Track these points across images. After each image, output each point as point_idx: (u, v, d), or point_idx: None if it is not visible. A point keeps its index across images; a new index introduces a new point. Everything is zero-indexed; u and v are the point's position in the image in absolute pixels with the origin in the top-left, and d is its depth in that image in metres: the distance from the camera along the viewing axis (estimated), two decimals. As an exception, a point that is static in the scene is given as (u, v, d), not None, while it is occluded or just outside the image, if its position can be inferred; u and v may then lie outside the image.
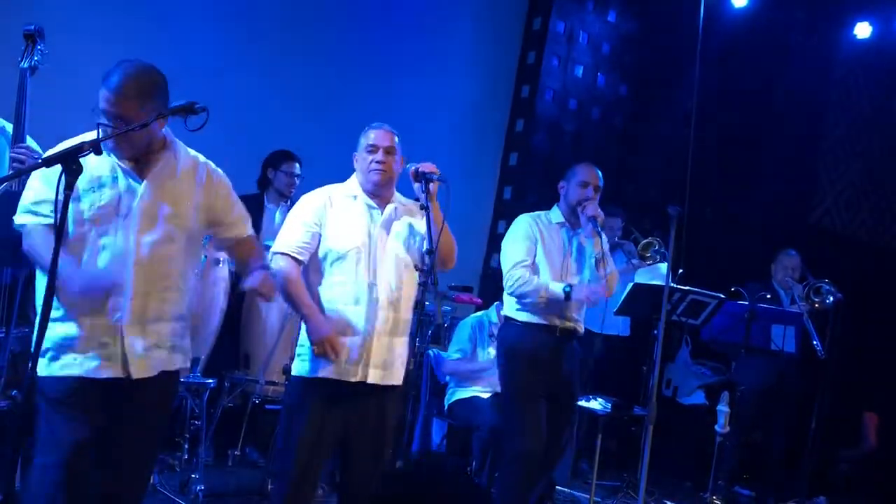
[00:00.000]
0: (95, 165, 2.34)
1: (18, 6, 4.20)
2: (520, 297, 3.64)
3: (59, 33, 3.86)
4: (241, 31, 5.13)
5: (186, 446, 3.91)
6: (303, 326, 2.93)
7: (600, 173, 3.78)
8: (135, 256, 2.35)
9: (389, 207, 2.97)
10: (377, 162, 2.91)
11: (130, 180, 2.38)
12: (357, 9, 5.62)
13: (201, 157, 2.58)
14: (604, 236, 3.63)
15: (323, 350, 2.77)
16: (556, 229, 3.74)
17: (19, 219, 2.37)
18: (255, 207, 4.55)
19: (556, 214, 3.78)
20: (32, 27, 3.29)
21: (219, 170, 2.62)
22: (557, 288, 3.55)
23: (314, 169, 4.66)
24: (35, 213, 2.34)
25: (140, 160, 2.40)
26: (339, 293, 2.86)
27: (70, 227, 2.31)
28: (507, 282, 3.64)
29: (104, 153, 2.34)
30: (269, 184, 4.68)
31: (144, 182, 2.39)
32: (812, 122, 7.18)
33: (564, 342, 3.67)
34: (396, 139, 2.98)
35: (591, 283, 3.63)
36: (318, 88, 5.39)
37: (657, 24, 6.85)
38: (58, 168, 2.02)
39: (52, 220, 2.28)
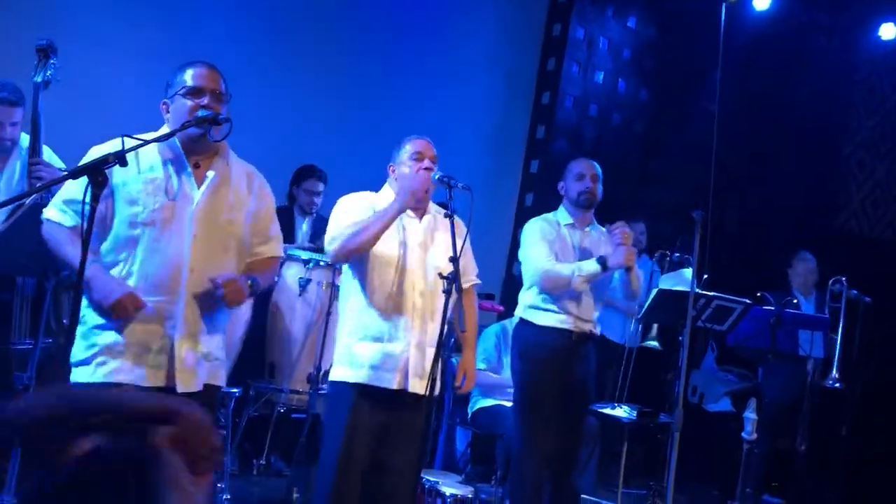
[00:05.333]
0: (150, 166, 2.34)
1: (34, 20, 4.24)
2: (553, 291, 3.58)
3: (76, 45, 3.93)
4: (261, 42, 5.16)
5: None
6: (340, 329, 2.93)
7: (596, 164, 3.78)
8: (189, 263, 2.34)
9: (427, 218, 3.00)
10: (426, 169, 2.93)
11: (187, 186, 2.37)
12: (376, 19, 5.64)
13: (251, 167, 2.59)
14: (633, 249, 3.60)
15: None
16: (566, 230, 3.74)
17: (48, 212, 2.37)
18: (285, 219, 4.61)
19: (563, 215, 3.78)
20: (45, 42, 3.34)
21: (266, 182, 2.63)
22: (590, 265, 3.52)
23: (337, 180, 4.70)
24: (64, 212, 2.35)
25: (198, 165, 2.40)
26: (378, 300, 2.88)
27: (123, 229, 2.30)
28: (538, 279, 3.61)
29: (161, 155, 2.33)
30: (295, 199, 4.77)
31: (202, 188, 2.39)
32: (836, 124, 7.10)
33: (579, 345, 3.65)
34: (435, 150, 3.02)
35: (620, 286, 3.63)
36: (339, 101, 5.42)
37: (677, 29, 6.81)
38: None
39: (73, 223, 2.30)
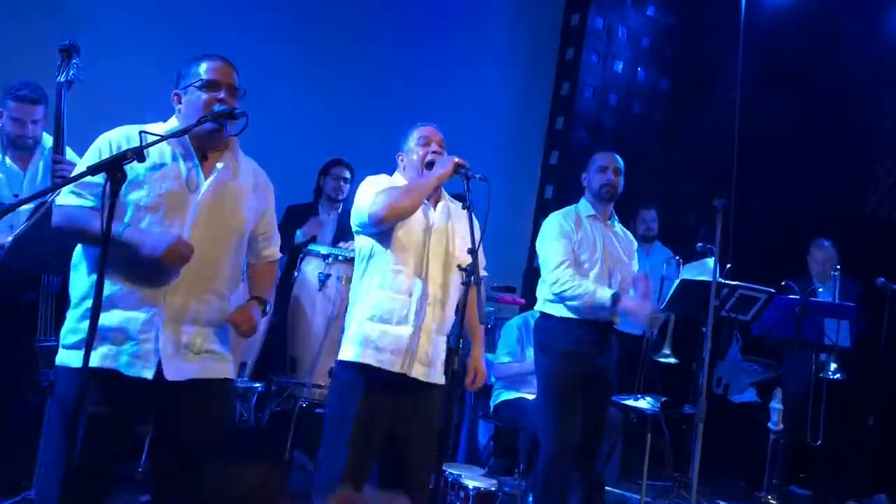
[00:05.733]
0: (159, 153, 2.34)
1: (57, 21, 4.29)
2: (564, 300, 3.61)
3: (99, 45, 3.96)
4: (280, 42, 5.17)
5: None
6: (351, 308, 2.93)
7: (619, 157, 3.77)
8: None
9: (441, 205, 2.99)
10: (434, 153, 2.93)
11: (195, 175, 2.37)
12: (393, 14, 5.63)
13: (257, 164, 2.60)
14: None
15: None
16: (588, 222, 3.73)
17: (62, 199, 2.34)
18: (307, 214, 4.64)
19: (585, 207, 3.77)
20: (67, 42, 3.38)
21: (270, 182, 2.63)
22: (605, 295, 3.53)
23: (358, 174, 4.71)
24: (79, 195, 2.33)
25: (207, 157, 2.41)
26: (393, 282, 2.86)
27: (124, 211, 2.29)
28: (553, 283, 3.62)
29: (169, 146, 2.35)
30: (321, 191, 4.81)
31: (209, 179, 2.39)
32: (863, 109, 6.97)
33: (601, 336, 3.64)
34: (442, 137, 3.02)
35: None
36: (358, 98, 5.42)
37: (697, 16, 6.74)
38: (107, 153, 2.05)
39: (93, 203, 2.28)
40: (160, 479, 2.45)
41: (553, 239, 3.68)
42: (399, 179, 3.00)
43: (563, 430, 3.56)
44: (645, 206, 5.52)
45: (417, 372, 2.85)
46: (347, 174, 4.76)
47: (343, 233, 4.63)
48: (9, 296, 3.27)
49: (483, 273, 3.18)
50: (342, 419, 2.81)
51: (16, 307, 3.29)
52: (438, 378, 2.91)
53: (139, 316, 2.29)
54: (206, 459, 2.42)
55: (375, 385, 2.82)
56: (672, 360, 4.71)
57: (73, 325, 2.34)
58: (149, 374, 2.28)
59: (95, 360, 2.22)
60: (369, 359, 2.82)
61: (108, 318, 2.26)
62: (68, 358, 2.29)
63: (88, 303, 2.25)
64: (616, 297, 3.52)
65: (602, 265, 3.67)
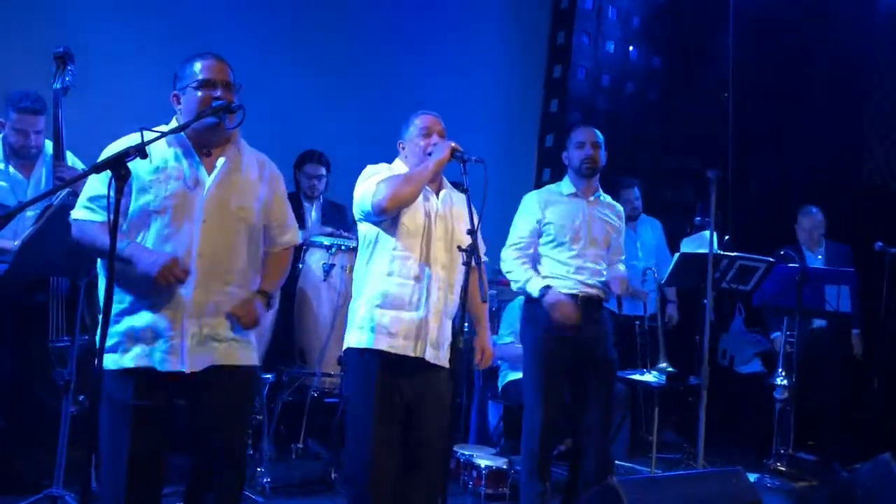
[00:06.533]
0: (162, 156, 2.41)
1: (50, 28, 4.31)
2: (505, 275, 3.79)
3: (91, 53, 4.01)
4: (276, 36, 5.17)
5: (250, 441, 4.01)
6: (357, 295, 2.97)
7: (597, 131, 3.79)
8: (198, 247, 2.40)
9: (443, 192, 3.04)
10: (434, 145, 2.97)
11: (198, 172, 2.44)
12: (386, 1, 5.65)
13: (264, 155, 2.65)
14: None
15: None
16: (567, 199, 3.76)
17: (76, 213, 2.45)
18: (294, 205, 4.65)
19: (566, 185, 3.81)
20: (62, 49, 3.44)
21: (278, 171, 2.68)
22: (534, 288, 3.62)
23: (347, 163, 4.73)
24: (91, 210, 2.42)
25: (210, 153, 2.47)
26: (401, 268, 2.91)
27: (134, 216, 2.38)
28: (502, 259, 3.77)
29: (170, 146, 2.41)
30: (298, 184, 4.78)
31: (212, 175, 2.45)
32: (854, 79, 6.99)
33: (587, 308, 3.65)
34: (443, 124, 3.05)
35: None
36: (347, 81, 5.41)
37: (687, -7, 6.77)
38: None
39: (104, 218, 2.35)
40: (198, 469, 2.53)
41: (518, 218, 3.80)
42: (399, 167, 3.04)
43: (546, 409, 3.59)
44: (626, 186, 5.51)
45: (430, 355, 2.90)
46: (322, 171, 4.69)
47: (327, 221, 4.67)
48: (19, 299, 3.34)
49: (484, 258, 3.25)
50: (363, 405, 2.87)
51: (27, 310, 3.36)
52: (445, 362, 2.97)
53: (165, 314, 2.39)
54: (239, 447, 2.55)
55: (390, 369, 2.88)
56: (671, 370, 4.71)
57: (109, 331, 2.40)
58: (183, 368, 2.39)
59: (133, 361, 2.38)
60: (383, 344, 2.87)
61: (138, 320, 2.39)
62: (106, 361, 2.36)
63: (117, 307, 2.37)
64: (543, 293, 3.58)
65: (583, 243, 3.70)
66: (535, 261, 3.74)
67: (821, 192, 6.60)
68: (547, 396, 3.61)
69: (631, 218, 5.57)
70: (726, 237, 5.09)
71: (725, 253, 4.49)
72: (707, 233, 5.13)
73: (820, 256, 5.43)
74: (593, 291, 3.70)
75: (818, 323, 5.38)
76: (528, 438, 3.65)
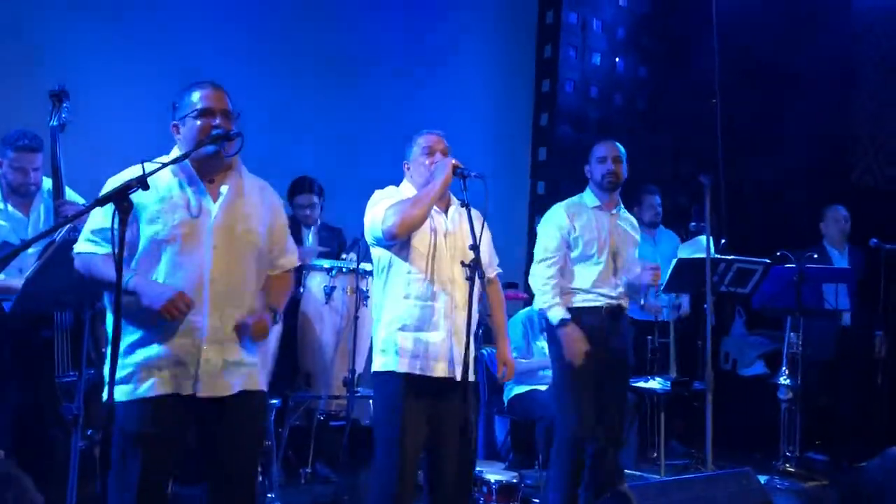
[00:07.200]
0: (167, 186, 2.45)
1: (45, 67, 4.34)
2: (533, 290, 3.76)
3: (87, 89, 4.05)
4: (268, 62, 5.20)
5: (259, 469, 4.01)
6: (377, 320, 3.02)
7: (619, 145, 3.81)
8: (210, 274, 2.43)
9: (452, 210, 3.07)
10: (435, 164, 3.00)
11: (204, 200, 2.47)
12: (369, 23, 5.67)
13: (263, 181, 2.69)
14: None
15: None
16: (593, 213, 3.78)
17: (79, 246, 2.47)
18: (292, 230, 4.66)
19: (590, 198, 3.82)
20: (57, 87, 3.47)
21: (277, 196, 2.72)
22: (555, 317, 3.62)
23: (343, 187, 4.78)
24: (94, 242, 2.45)
25: (213, 181, 2.50)
26: (417, 290, 2.95)
27: (144, 247, 2.41)
28: (532, 275, 3.74)
29: (174, 175, 2.45)
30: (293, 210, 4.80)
31: (218, 202, 2.49)
32: (841, 78, 7.07)
33: (612, 319, 3.70)
34: (447, 142, 3.09)
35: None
36: (339, 107, 5.45)
37: (670, 2, 6.84)
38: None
39: (107, 250, 2.38)
40: (215, 495, 2.54)
41: (547, 232, 3.76)
42: (407, 188, 3.08)
43: (581, 415, 3.62)
44: (650, 192, 5.61)
45: (457, 373, 2.92)
46: (314, 199, 4.66)
47: (325, 240, 4.69)
48: (25, 335, 3.34)
49: (498, 270, 3.28)
50: (391, 428, 2.92)
51: (33, 346, 3.36)
52: (472, 376, 2.99)
53: (182, 342, 2.41)
54: (252, 469, 2.60)
55: (418, 391, 2.92)
56: (683, 379, 4.74)
57: (120, 362, 2.41)
58: (204, 393, 2.42)
59: (150, 391, 2.39)
60: (408, 367, 2.92)
61: (151, 351, 2.40)
62: (117, 393, 2.37)
63: (128, 339, 2.40)
64: (562, 323, 3.60)
65: (607, 256, 3.72)
66: (563, 274, 3.72)
67: (813, 194, 6.66)
68: (579, 408, 3.63)
69: (653, 224, 5.64)
70: (722, 241, 5.13)
71: (723, 257, 4.52)
72: (703, 238, 5.18)
73: (845, 257, 5.48)
74: (617, 303, 3.73)
75: (840, 322, 5.41)
76: (561, 449, 3.67)
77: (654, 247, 5.50)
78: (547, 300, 3.66)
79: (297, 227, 4.68)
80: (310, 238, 4.74)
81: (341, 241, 4.76)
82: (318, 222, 4.79)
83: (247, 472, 2.56)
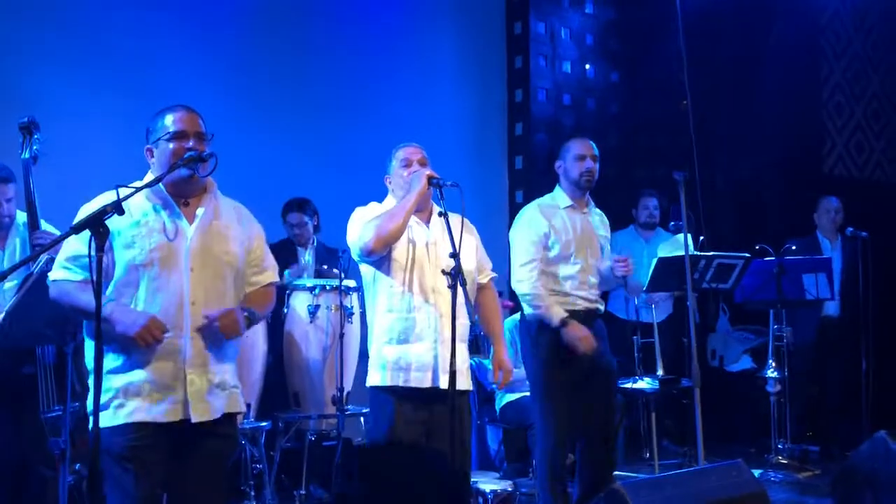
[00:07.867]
0: (142, 211, 2.44)
1: (13, 98, 4.35)
2: (520, 299, 3.67)
3: (58, 118, 4.04)
4: (240, 84, 5.21)
5: (252, 493, 3.98)
6: (369, 334, 3.03)
7: (593, 143, 3.77)
8: (190, 296, 2.42)
9: (434, 220, 3.08)
10: (411, 174, 3.01)
11: (179, 223, 2.46)
12: (343, 42, 5.70)
13: (237, 202, 2.69)
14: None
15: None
16: (566, 213, 3.72)
17: (54, 274, 2.45)
18: (290, 252, 4.67)
19: (561, 198, 3.74)
20: (26, 119, 3.44)
21: (252, 216, 2.72)
22: (555, 317, 3.56)
23: (327, 206, 4.79)
24: (69, 270, 2.42)
25: (188, 203, 2.50)
26: (399, 302, 2.96)
27: (122, 273, 2.38)
28: (518, 281, 3.64)
29: (149, 200, 2.44)
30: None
31: (193, 224, 2.48)
32: (808, 72, 7.18)
33: (589, 322, 3.65)
34: (425, 153, 3.11)
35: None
36: (316, 127, 5.47)
37: (635, 5, 6.92)
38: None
39: (82, 276, 2.37)
40: None
41: (524, 234, 3.68)
42: (390, 203, 3.08)
43: (559, 428, 3.60)
44: (646, 194, 5.66)
45: (445, 383, 2.90)
46: (304, 219, 4.70)
47: (323, 260, 4.69)
48: (7, 372, 3.30)
49: (492, 274, 3.28)
50: (385, 442, 2.93)
51: (15, 383, 3.32)
52: (466, 384, 3.04)
53: (165, 367, 2.39)
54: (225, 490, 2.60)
55: (409, 403, 2.93)
56: (670, 377, 4.75)
57: (103, 388, 2.38)
58: (191, 418, 2.40)
59: (134, 416, 2.37)
60: (397, 380, 2.93)
61: (134, 376, 2.38)
62: (102, 418, 2.32)
63: (109, 365, 2.38)
64: (564, 323, 3.53)
65: (583, 256, 3.69)
66: (545, 275, 3.65)
67: (787, 186, 6.76)
68: (558, 417, 3.61)
69: (648, 226, 5.67)
70: (701, 238, 5.17)
71: (702, 253, 4.56)
72: (679, 236, 5.22)
73: (837, 247, 5.54)
74: (594, 306, 3.72)
75: (829, 312, 5.46)
76: (542, 458, 3.66)
77: (645, 247, 5.54)
78: (544, 301, 3.58)
79: (293, 249, 4.70)
80: (306, 257, 4.75)
81: (338, 260, 4.75)
82: (315, 242, 4.80)
83: (215, 497, 2.55)
